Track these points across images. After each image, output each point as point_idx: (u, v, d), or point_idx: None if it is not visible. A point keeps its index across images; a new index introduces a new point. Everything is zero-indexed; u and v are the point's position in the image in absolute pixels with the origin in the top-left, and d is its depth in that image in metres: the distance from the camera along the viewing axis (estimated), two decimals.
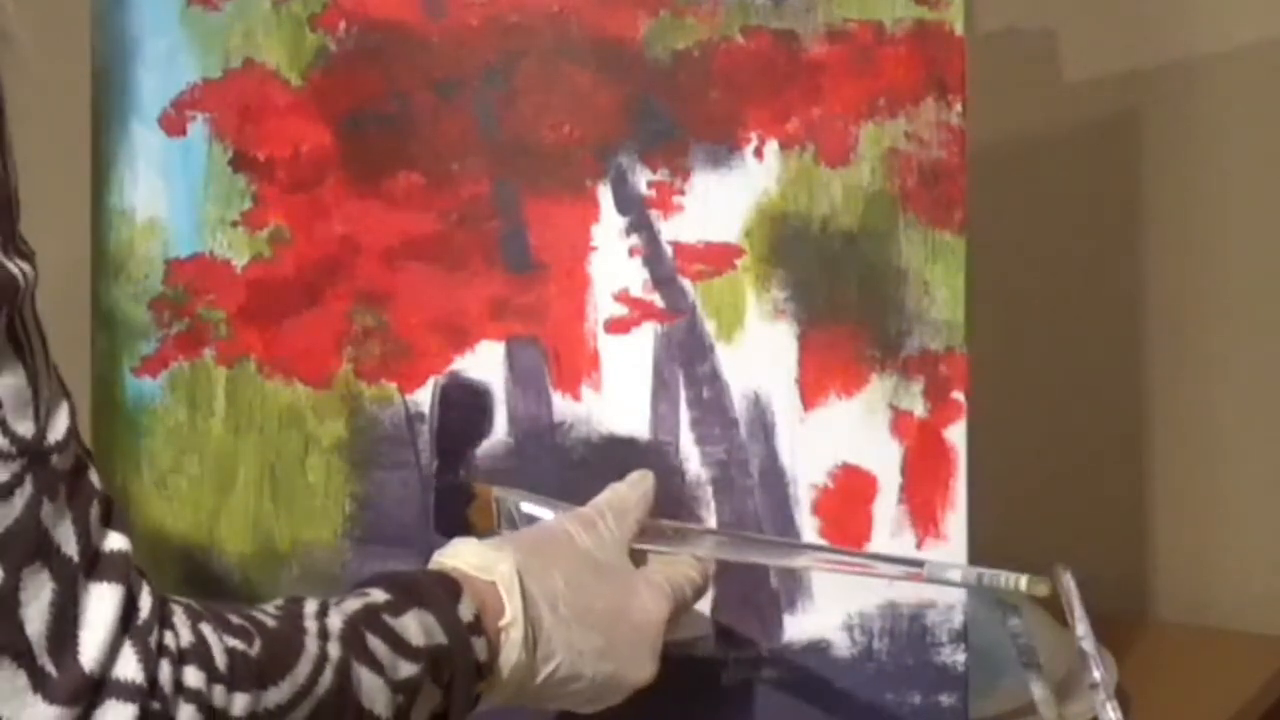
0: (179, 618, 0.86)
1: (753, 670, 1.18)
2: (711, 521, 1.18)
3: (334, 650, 0.92)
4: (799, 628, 1.18)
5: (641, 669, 1.06)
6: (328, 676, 0.91)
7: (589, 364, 1.19)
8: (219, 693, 0.86)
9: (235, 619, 0.90)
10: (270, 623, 0.91)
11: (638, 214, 1.18)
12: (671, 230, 1.18)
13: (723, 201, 1.17)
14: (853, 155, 1.15)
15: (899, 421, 1.16)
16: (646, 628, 1.07)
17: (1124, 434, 1.58)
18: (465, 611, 0.98)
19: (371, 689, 0.93)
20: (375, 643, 0.94)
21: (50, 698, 0.80)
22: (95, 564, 0.84)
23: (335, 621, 0.93)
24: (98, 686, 0.82)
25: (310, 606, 0.94)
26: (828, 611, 1.17)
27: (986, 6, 1.50)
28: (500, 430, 1.20)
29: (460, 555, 1.03)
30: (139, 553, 1.23)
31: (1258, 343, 1.54)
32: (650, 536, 1.11)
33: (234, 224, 1.22)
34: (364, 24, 1.20)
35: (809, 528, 1.17)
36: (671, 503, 1.17)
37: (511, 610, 1.00)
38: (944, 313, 1.15)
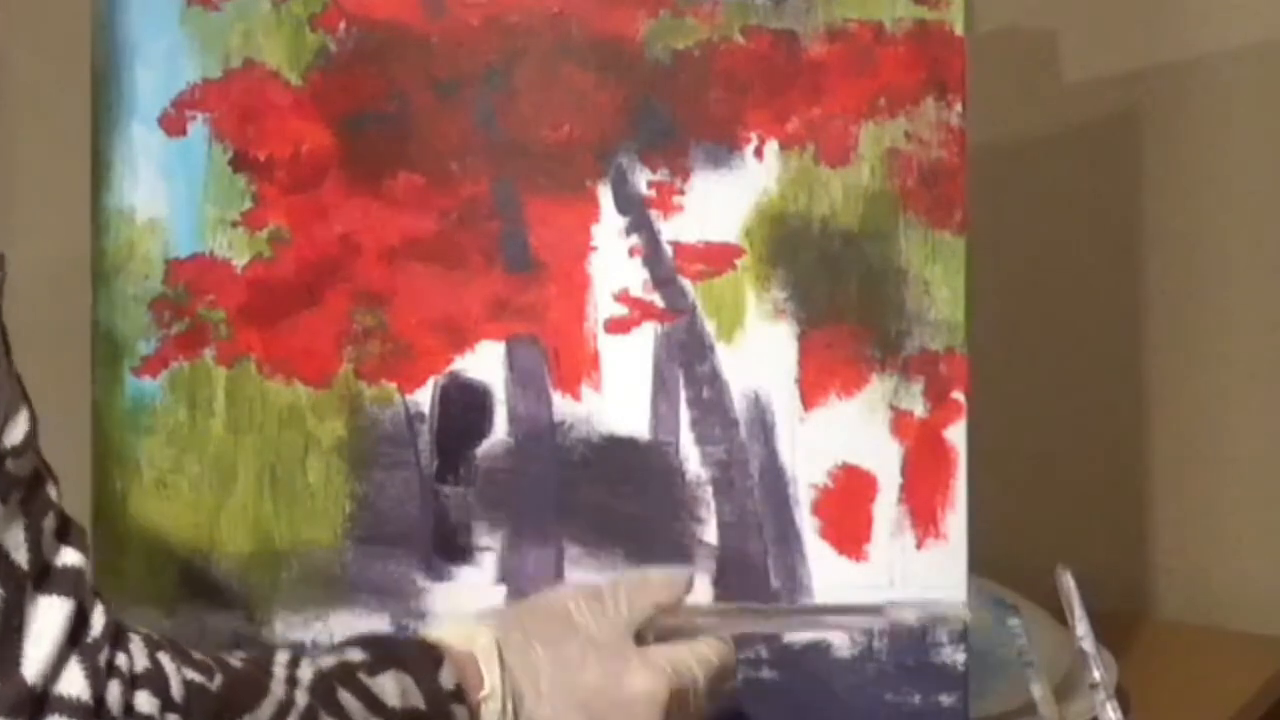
0: (135, 644, 0.85)
1: (753, 670, 1.18)
2: (711, 522, 1.18)
3: (301, 698, 0.90)
4: (799, 628, 1.18)
5: None
6: None
7: (589, 364, 1.19)
8: None
9: (198, 655, 0.88)
10: (235, 664, 0.90)
11: (638, 214, 1.18)
12: (671, 230, 1.18)
13: (723, 201, 1.17)
14: (853, 155, 1.15)
15: (899, 421, 1.16)
16: (636, 708, 1.04)
17: (1124, 434, 1.58)
18: (446, 679, 0.97)
19: None
20: (348, 698, 0.93)
21: None
22: (46, 576, 0.82)
23: (306, 672, 0.92)
24: (40, 701, 0.80)
25: (282, 655, 0.93)
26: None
27: (986, 6, 1.50)
28: (500, 430, 1.20)
29: (443, 626, 1.02)
30: (140, 555, 1.24)
31: (1258, 342, 1.54)
32: (663, 630, 1.09)
33: (234, 224, 1.22)
34: (364, 24, 1.20)
35: (809, 528, 1.17)
36: (672, 503, 1.17)
37: (490, 682, 1.00)
38: (944, 313, 1.15)
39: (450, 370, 1.20)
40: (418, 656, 0.97)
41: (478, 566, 1.20)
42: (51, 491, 0.84)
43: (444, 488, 1.21)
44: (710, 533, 1.18)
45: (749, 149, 1.16)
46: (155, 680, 0.84)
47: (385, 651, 0.97)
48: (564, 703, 1.01)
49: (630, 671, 1.04)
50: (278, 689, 0.90)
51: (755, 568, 1.17)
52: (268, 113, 1.21)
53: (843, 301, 1.16)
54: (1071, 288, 1.58)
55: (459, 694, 0.97)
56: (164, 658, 0.86)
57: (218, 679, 0.87)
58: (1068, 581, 1.24)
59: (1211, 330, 1.55)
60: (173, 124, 1.22)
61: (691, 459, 1.18)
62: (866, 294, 1.16)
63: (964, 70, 1.14)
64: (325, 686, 0.92)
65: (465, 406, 1.20)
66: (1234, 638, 1.51)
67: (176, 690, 0.85)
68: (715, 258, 1.17)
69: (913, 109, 1.14)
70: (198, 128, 1.22)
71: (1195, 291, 1.55)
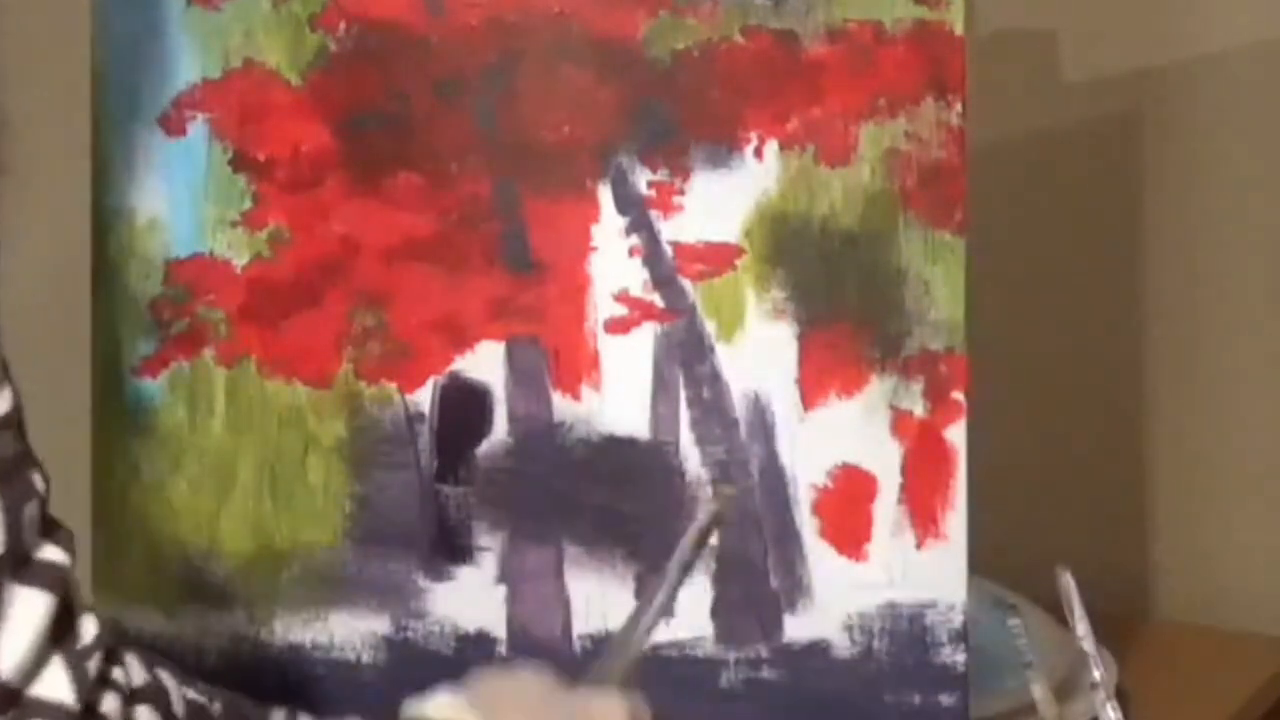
0: (131, 657, 0.80)
1: (753, 670, 1.18)
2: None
3: None
4: (799, 628, 1.18)
5: None
6: None
7: (589, 364, 1.19)
8: None
9: (197, 682, 0.84)
10: (233, 696, 0.86)
11: (638, 214, 1.18)
12: (671, 230, 1.18)
13: (723, 201, 1.17)
14: (853, 155, 1.15)
15: (899, 421, 1.16)
16: None
17: (1124, 434, 1.58)
18: None
19: None
20: None
21: None
22: (24, 567, 0.76)
23: None
24: (13, 699, 0.74)
25: (279, 712, 0.89)
26: (828, 611, 1.17)
27: (986, 6, 1.50)
28: (500, 430, 1.20)
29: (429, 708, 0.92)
30: (140, 555, 1.24)
31: (1258, 342, 1.54)
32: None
33: (234, 224, 1.22)
34: (364, 24, 1.20)
35: (809, 528, 1.17)
36: (672, 503, 1.17)
37: None
38: (944, 313, 1.15)
39: (450, 370, 1.20)
40: None
41: (478, 566, 1.20)
42: (37, 482, 0.79)
43: (444, 488, 1.21)
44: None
45: (749, 149, 1.16)
46: (155, 697, 0.80)
47: None
48: None
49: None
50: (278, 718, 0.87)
51: (755, 568, 1.17)
52: (268, 113, 1.21)
53: (843, 301, 1.16)
54: (1071, 288, 1.58)
55: None
56: (163, 674, 0.82)
57: (217, 704, 0.84)
58: (1068, 581, 1.24)
59: (1212, 330, 1.55)
60: (173, 124, 1.22)
61: (691, 459, 1.18)
62: (866, 294, 1.16)
63: (964, 70, 1.14)
64: None
65: (465, 406, 1.20)
66: (1234, 638, 1.51)
67: (178, 707, 0.81)
68: (715, 258, 1.17)
69: (913, 109, 1.14)
70: (198, 128, 1.22)
71: (1195, 291, 1.55)
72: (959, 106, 1.14)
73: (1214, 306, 1.55)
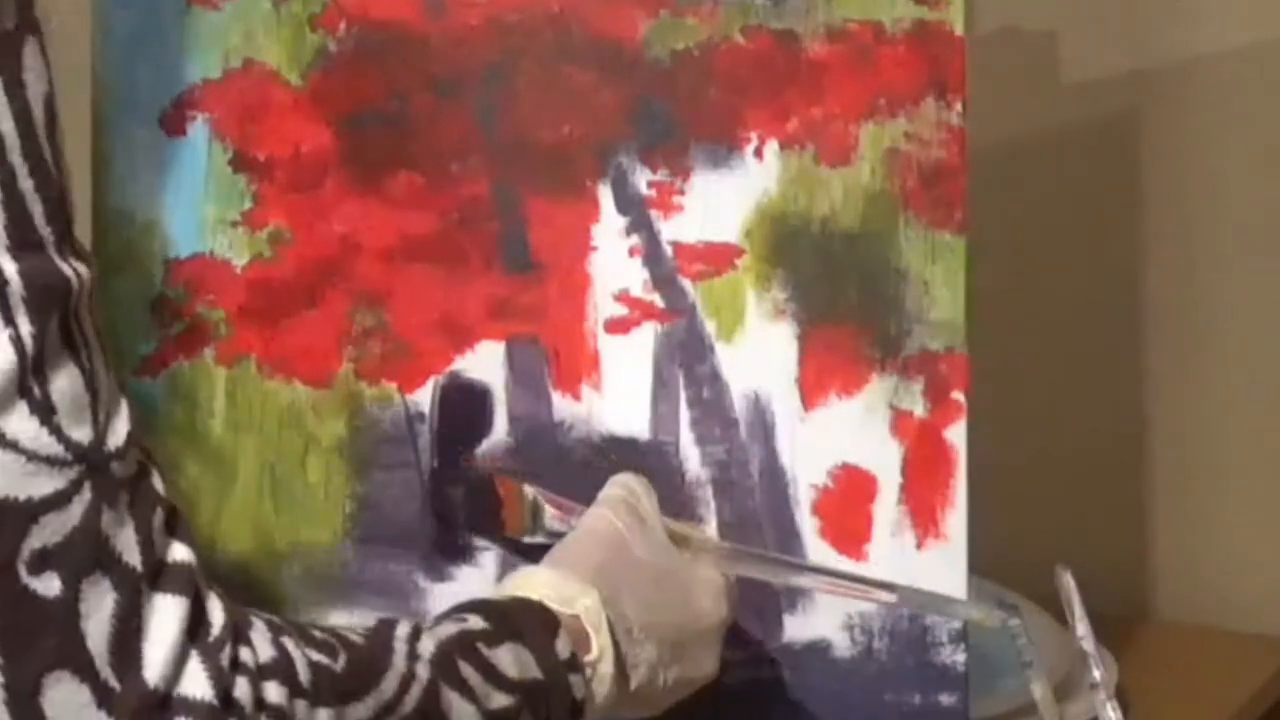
0: (258, 632, 0.85)
1: (753, 670, 1.18)
2: (712, 522, 1.18)
3: (423, 671, 0.91)
4: (799, 628, 1.18)
5: (707, 667, 1.08)
6: (414, 695, 0.90)
7: (589, 364, 1.19)
8: (301, 708, 0.84)
9: (319, 634, 0.89)
10: (357, 640, 0.90)
11: (638, 214, 1.18)
12: (671, 230, 1.18)
13: (723, 201, 1.17)
14: (853, 155, 1.15)
15: (899, 421, 1.16)
16: (709, 630, 1.08)
17: (1124, 434, 1.58)
18: (562, 649, 0.98)
19: (462, 715, 0.92)
20: (468, 670, 0.93)
21: (115, 713, 0.79)
22: (159, 574, 0.82)
23: (427, 645, 0.93)
24: (164, 703, 0.80)
25: (402, 629, 0.93)
26: (828, 611, 1.17)
27: (986, 6, 1.50)
28: (500, 430, 1.20)
29: (536, 587, 1.02)
30: None
31: (1257, 342, 1.54)
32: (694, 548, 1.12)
33: (234, 224, 1.22)
34: (364, 24, 1.20)
35: (809, 528, 1.17)
36: (672, 503, 1.17)
37: (599, 646, 1.00)
38: (944, 313, 1.15)
39: (450, 370, 1.20)
40: (534, 627, 0.98)
41: (478, 567, 1.20)
42: (156, 483, 0.84)
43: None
44: (710, 533, 1.18)
45: (749, 149, 1.16)
46: (282, 669, 0.84)
47: (504, 622, 0.97)
48: (651, 640, 1.03)
49: (695, 596, 1.08)
50: (399, 663, 0.90)
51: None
52: (268, 113, 1.21)
53: (843, 301, 1.16)
54: (1071, 288, 1.58)
55: (573, 662, 0.98)
56: (287, 642, 0.86)
57: (341, 658, 0.88)
58: (1068, 581, 1.24)
59: (1211, 330, 1.55)
60: (173, 124, 1.22)
61: (691, 459, 1.18)
62: (866, 294, 1.16)
63: (964, 70, 1.14)
64: (446, 659, 0.93)
65: (465, 406, 1.20)
66: (1234, 638, 1.51)
67: (304, 675, 0.85)
68: (715, 258, 1.17)
69: (913, 109, 1.14)
70: (198, 128, 1.22)
71: (1195, 291, 1.55)
72: (959, 106, 1.14)
73: (1214, 306, 1.55)
